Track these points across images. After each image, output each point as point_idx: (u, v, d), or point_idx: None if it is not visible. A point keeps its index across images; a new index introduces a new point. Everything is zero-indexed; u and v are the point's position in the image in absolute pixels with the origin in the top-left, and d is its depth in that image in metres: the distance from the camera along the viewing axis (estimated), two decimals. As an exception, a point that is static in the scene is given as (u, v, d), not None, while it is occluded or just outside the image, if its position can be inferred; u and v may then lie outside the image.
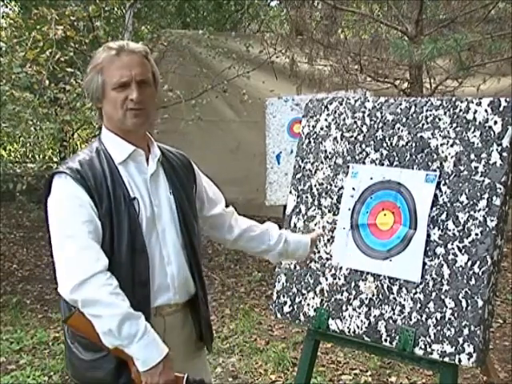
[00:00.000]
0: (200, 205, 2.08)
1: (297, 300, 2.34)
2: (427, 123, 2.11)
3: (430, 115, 2.11)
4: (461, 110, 2.05)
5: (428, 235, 2.04)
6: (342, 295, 2.21)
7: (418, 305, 2.03)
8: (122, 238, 1.79)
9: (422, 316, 2.02)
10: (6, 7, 8.96)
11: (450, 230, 2.01)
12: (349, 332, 2.18)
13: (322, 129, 2.37)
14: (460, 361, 1.93)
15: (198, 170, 2.12)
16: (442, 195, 2.04)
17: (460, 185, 2.01)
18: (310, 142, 2.40)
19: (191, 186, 2.04)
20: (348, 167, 2.27)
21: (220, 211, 2.13)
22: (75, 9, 5.53)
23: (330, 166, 2.33)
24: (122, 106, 1.81)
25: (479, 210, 1.96)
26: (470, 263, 1.95)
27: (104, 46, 1.87)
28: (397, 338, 2.06)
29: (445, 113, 2.08)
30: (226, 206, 2.17)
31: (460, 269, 1.97)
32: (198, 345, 2.04)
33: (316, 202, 2.35)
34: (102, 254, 1.74)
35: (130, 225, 1.80)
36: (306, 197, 2.38)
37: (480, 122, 2.01)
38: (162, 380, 1.71)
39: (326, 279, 2.26)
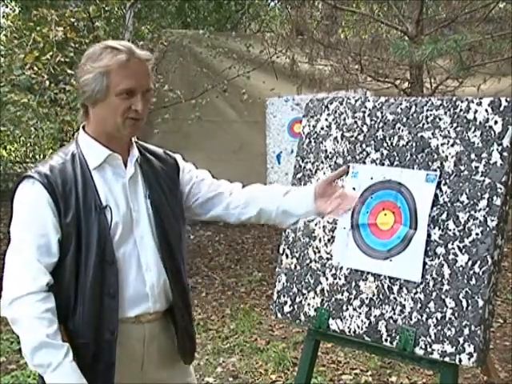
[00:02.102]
0: (186, 198, 2.00)
1: (297, 300, 2.34)
2: (427, 123, 2.11)
3: (431, 115, 2.11)
4: (461, 110, 2.05)
5: (428, 235, 2.04)
6: (342, 295, 2.21)
7: (419, 305, 2.03)
8: (90, 248, 1.72)
9: (422, 316, 2.02)
10: (7, 7, 8.95)
11: (450, 230, 2.01)
12: (349, 332, 2.18)
13: (322, 128, 2.37)
14: (460, 361, 1.93)
15: (185, 164, 2.04)
16: (442, 195, 2.04)
17: (460, 184, 2.01)
18: (310, 141, 2.40)
19: (176, 185, 1.96)
20: (348, 167, 2.27)
21: (205, 195, 2.01)
22: (75, 9, 5.53)
23: (330, 166, 2.33)
24: (123, 115, 1.75)
25: (480, 209, 1.96)
26: (470, 263, 1.95)
27: (107, 46, 1.77)
28: (397, 337, 2.06)
29: (445, 112, 2.08)
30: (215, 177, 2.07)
31: (460, 269, 1.97)
32: (177, 355, 1.96)
33: (316, 202, 2.34)
34: (43, 273, 1.68)
35: (100, 234, 1.73)
36: (307, 197, 2.37)
37: (480, 122, 2.01)
38: None
39: (327, 279, 2.26)
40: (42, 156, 10.10)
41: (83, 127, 1.86)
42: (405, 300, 2.06)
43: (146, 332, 1.84)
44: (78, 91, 1.85)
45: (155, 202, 1.86)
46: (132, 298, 1.79)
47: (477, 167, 1.98)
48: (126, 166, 1.85)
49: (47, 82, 5.14)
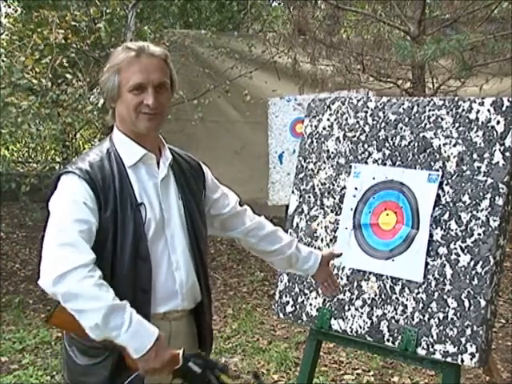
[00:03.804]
0: (210, 207, 2.07)
1: (299, 300, 2.34)
2: (430, 123, 2.11)
3: (433, 115, 2.11)
4: (463, 110, 2.05)
5: (430, 235, 2.04)
6: (344, 295, 2.21)
7: (421, 305, 2.03)
8: (125, 243, 1.77)
9: (424, 316, 2.02)
10: (9, 7, 8.95)
11: (452, 230, 2.01)
12: (351, 332, 2.18)
13: (324, 128, 2.37)
14: (462, 361, 1.93)
15: (208, 171, 2.10)
16: (444, 195, 2.04)
17: (462, 185, 2.01)
18: (312, 141, 2.40)
19: (200, 190, 2.03)
20: (350, 167, 2.27)
21: (231, 211, 2.10)
22: (76, 13, 5.53)
23: (332, 166, 2.33)
24: (136, 110, 1.80)
25: (482, 209, 1.96)
26: (472, 263, 1.95)
27: (123, 45, 1.86)
28: (399, 337, 2.06)
29: (447, 112, 2.08)
30: (241, 205, 2.14)
31: (462, 269, 1.97)
32: (197, 351, 2.01)
33: (318, 202, 2.35)
34: (89, 250, 1.70)
35: (135, 231, 1.78)
36: (309, 196, 2.38)
37: (483, 122, 2.00)
38: (157, 364, 1.67)
39: (329, 279, 2.26)
40: (43, 156, 10.12)
41: (116, 125, 1.92)
42: (407, 300, 2.06)
43: (172, 329, 1.88)
44: (102, 93, 1.93)
45: (186, 204, 1.93)
46: (162, 295, 1.84)
47: (479, 167, 1.98)
48: (158, 166, 1.91)
49: (49, 84, 5.14)
